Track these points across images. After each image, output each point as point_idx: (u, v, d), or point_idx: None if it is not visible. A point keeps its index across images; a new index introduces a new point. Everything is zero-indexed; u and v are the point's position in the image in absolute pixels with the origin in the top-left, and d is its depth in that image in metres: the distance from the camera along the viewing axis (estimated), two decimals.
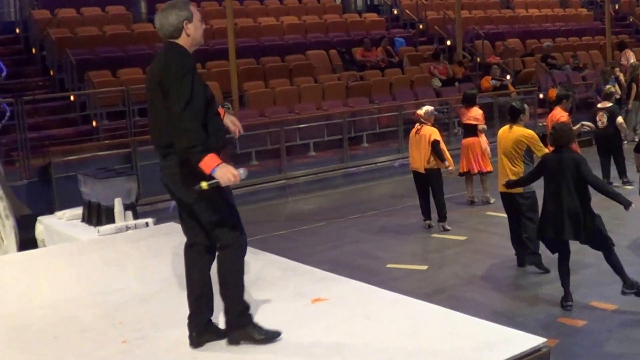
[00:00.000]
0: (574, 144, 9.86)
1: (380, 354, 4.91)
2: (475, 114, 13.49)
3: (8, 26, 19.96)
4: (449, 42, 23.02)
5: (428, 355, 4.87)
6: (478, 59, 22.77)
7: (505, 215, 10.13)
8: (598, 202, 8.78)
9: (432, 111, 12.29)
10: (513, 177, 9.55)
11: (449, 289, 9.41)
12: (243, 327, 5.10)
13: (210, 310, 5.20)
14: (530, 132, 9.66)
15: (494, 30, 24.74)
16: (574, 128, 10.93)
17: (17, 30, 19.23)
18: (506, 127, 9.88)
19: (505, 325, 5.48)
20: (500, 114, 17.58)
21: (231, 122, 5.44)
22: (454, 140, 17.14)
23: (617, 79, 19.68)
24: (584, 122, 12.94)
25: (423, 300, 6.07)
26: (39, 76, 17.93)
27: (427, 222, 12.21)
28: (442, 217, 12.06)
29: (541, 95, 20.92)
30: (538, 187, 9.34)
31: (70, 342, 5.38)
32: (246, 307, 5.15)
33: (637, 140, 13.05)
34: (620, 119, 14.27)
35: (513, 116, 9.78)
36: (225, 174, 4.74)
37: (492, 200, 13.31)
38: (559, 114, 12.39)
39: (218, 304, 5.34)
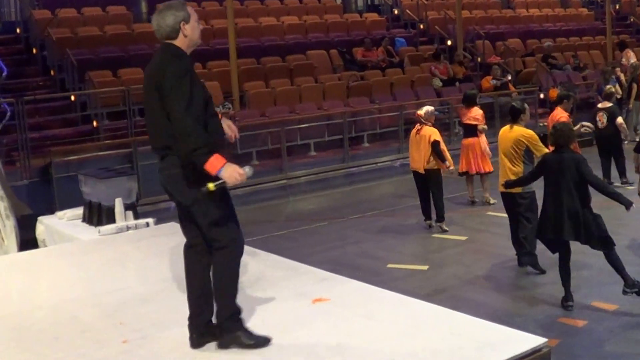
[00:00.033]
0: (574, 144, 9.85)
1: (381, 354, 4.90)
2: (475, 114, 13.48)
3: (9, 26, 19.96)
4: (449, 42, 23.02)
5: (429, 355, 4.87)
6: (479, 59, 22.78)
7: (506, 215, 10.13)
8: (599, 202, 8.78)
9: (433, 111, 12.28)
10: (513, 177, 9.55)
11: (449, 289, 9.41)
12: (233, 331, 5.05)
13: (210, 311, 5.18)
14: (529, 132, 9.65)
15: (494, 30, 24.74)
16: (574, 128, 10.92)
17: (18, 30, 19.25)
18: (507, 127, 9.88)
19: (506, 325, 5.48)
20: (501, 114, 17.59)
21: (227, 126, 5.41)
22: (455, 140, 17.14)
23: (617, 79, 19.67)
24: (583, 123, 12.92)
25: (424, 301, 6.08)
26: (39, 76, 17.93)
27: (428, 222, 12.21)
28: (440, 218, 12.05)
29: (542, 95, 20.92)
30: (538, 188, 9.35)
31: (71, 342, 5.38)
32: (237, 310, 5.10)
33: (637, 140, 13.01)
34: (620, 119, 14.26)
35: (514, 116, 9.78)
36: (232, 173, 4.74)
37: (492, 201, 13.30)
38: (560, 114, 12.38)
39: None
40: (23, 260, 8.08)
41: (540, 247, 9.14)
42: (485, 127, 13.62)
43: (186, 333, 5.12)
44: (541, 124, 18.28)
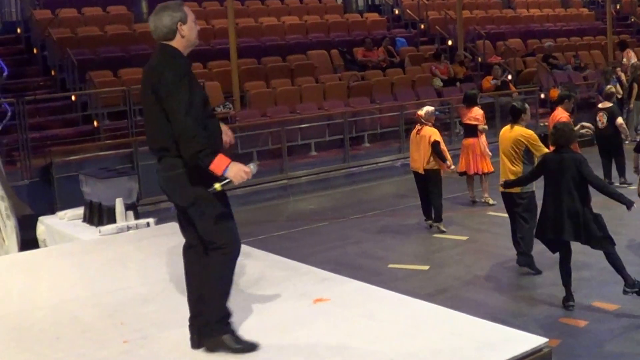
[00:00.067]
0: (574, 144, 9.84)
1: (381, 354, 4.90)
2: (475, 114, 13.47)
3: (9, 26, 19.99)
4: (450, 42, 23.01)
5: (430, 355, 4.87)
6: (479, 59, 22.77)
7: (507, 215, 10.12)
8: (599, 202, 8.78)
9: (433, 112, 12.27)
10: (512, 177, 9.55)
11: (450, 289, 9.41)
12: (220, 335, 4.99)
13: None
14: (529, 132, 9.65)
15: (495, 30, 24.74)
16: (575, 128, 10.92)
17: (19, 30, 19.25)
18: (507, 126, 9.88)
19: (506, 326, 5.49)
20: (502, 114, 17.58)
21: (223, 132, 5.40)
22: (456, 140, 17.14)
23: (618, 79, 19.66)
24: (583, 124, 12.92)
25: (425, 301, 6.08)
26: (40, 76, 17.93)
27: (429, 222, 12.19)
28: (438, 218, 12.04)
29: (542, 95, 20.92)
30: (538, 188, 9.35)
31: (72, 343, 5.38)
32: (227, 314, 5.06)
33: (638, 140, 13.00)
34: (620, 120, 14.24)
35: (514, 116, 9.78)
36: (238, 172, 4.74)
37: (491, 202, 13.32)
38: (560, 114, 12.37)
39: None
40: (24, 260, 8.08)
41: (541, 247, 9.13)
42: (486, 127, 13.62)
43: (187, 333, 5.11)
44: (542, 124, 18.29)
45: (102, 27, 18.95)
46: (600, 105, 14.70)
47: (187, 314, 5.12)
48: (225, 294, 5.02)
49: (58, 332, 5.59)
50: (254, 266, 6.93)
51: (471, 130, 13.54)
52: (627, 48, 23.09)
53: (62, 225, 9.38)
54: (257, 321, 5.52)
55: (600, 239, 8.22)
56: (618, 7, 29.59)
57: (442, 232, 11.90)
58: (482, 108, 13.89)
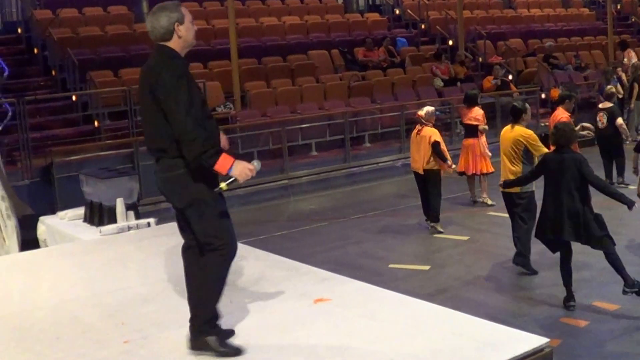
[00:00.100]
0: (574, 144, 9.84)
1: (382, 354, 4.90)
2: (476, 114, 13.46)
3: (10, 26, 19.99)
4: (450, 42, 23.01)
5: (430, 355, 4.87)
6: (480, 59, 22.76)
7: (507, 215, 10.12)
8: (599, 202, 8.78)
9: (433, 112, 12.27)
10: (512, 177, 9.56)
11: (451, 289, 9.41)
12: (206, 336, 4.96)
13: None
14: (528, 132, 9.64)
15: (496, 30, 24.73)
16: (575, 129, 10.92)
17: (19, 30, 19.24)
18: (508, 126, 9.89)
19: (507, 326, 5.48)
20: (503, 114, 17.57)
21: None
22: (456, 140, 17.13)
23: (619, 79, 19.65)
24: (584, 124, 12.92)
25: (425, 301, 6.08)
26: (40, 76, 17.93)
27: (430, 222, 12.19)
28: (434, 219, 12.03)
29: (543, 95, 20.91)
30: (538, 187, 9.35)
31: (72, 343, 5.38)
32: (216, 316, 5.04)
33: (639, 140, 12.99)
34: (620, 120, 14.21)
35: (515, 116, 9.78)
36: (243, 170, 4.78)
37: (489, 202, 13.34)
38: (561, 114, 12.36)
39: (219, 304, 5.34)
40: (24, 260, 8.08)
41: (541, 247, 9.13)
42: (486, 127, 13.61)
43: (187, 333, 5.10)
44: (543, 124, 18.29)
45: (103, 27, 18.95)
46: (600, 106, 14.68)
47: (188, 314, 5.11)
48: (218, 295, 5.02)
49: (58, 332, 5.59)
50: (255, 266, 6.93)
51: (471, 131, 13.53)
52: (628, 48, 23.09)
53: (62, 225, 9.38)
54: (258, 321, 5.53)
55: (601, 239, 8.21)
56: (619, 7, 29.59)
57: (439, 232, 11.90)
58: (482, 108, 13.88)
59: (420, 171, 12.00)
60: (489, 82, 20.24)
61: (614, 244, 8.32)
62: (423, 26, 24.14)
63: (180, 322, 5.19)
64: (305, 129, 16.76)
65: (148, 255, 7.54)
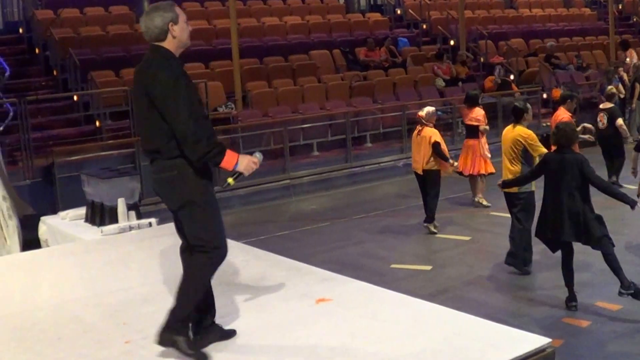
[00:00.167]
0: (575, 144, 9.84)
1: (383, 354, 4.89)
2: (477, 115, 13.45)
3: (11, 26, 20.01)
4: (452, 42, 23.00)
5: (432, 355, 4.86)
6: (481, 59, 22.76)
7: (509, 215, 10.11)
8: (600, 202, 8.78)
9: (434, 112, 12.27)
10: (511, 177, 9.57)
11: (452, 289, 9.40)
12: (177, 335, 4.91)
13: (212, 312, 5.18)
14: (527, 132, 9.63)
15: (497, 30, 24.72)
16: (577, 129, 10.91)
17: (21, 30, 19.26)
18: (510, 126, 9.90)
19: (509, 326, 5.47)
20: (504, 114, 17.56)
21: None
22: (458, 140, 17.11)
23: (620, 79, 19.63)
24: (585, 125, 12.90)
25: (427, 301, 6.07)
26: (42, 76, 17.94)
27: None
28: (429, 219, 12.04)
29: (545, 95, 20.90)
30: (538, 188, 9.35)
31: (73, 343, 5.37)
32: (191, 317, 5.00)
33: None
34: (619, 121, 14.19)
35: (516, 116, 9.78)
36: (248, 164, 4.85)
37: (485, 203, 13.38)
38: (563, 114, 12.35)
39: (220, 304, 5.34)
40: (25, 260, 8.07)
41: (541, 247, 9.13)
42: (487, 127, 13.59)
43: (189, 333, 5.10)
44: (544, 124, 18.27)
45: (104, 27, 18.95)
46: (601, 106, 14.68)
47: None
48: (199, 295, 5.00)
49: (59, 332, 5.58)
50: (256, 266, 6.92)
51: (472, 131, 13.53)
52: (630, 48, 23.06)
53: (64, 225, 9.37)
54: (259, 321, 5.52)
55: (600, 239, 8.20)
56: (620, 7, 29.55)
57: (433, 233, 11.91)
58: (484, 108, 13.87)
59: (420, 171, 12.02)
60: (490, 82, 20.23)
61: (613, 245, 8.30)
62: (424, 26, 24.15)
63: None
64: (306, 129, 16.76)
65: (149, 256, 7.53)
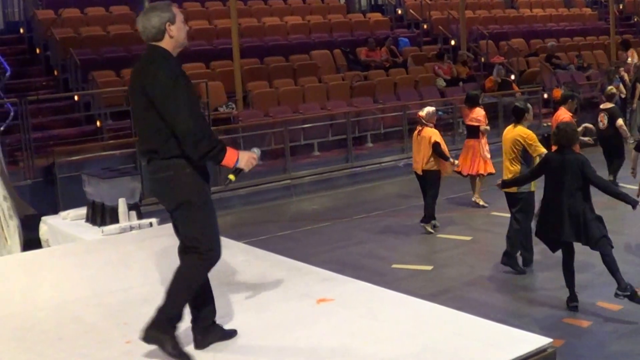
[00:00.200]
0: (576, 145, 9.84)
1: (385, 354, 4.89)
2: (477, 115, 13.44)
3: (12, 26, 20.01)
4: (453, 42, 23.01)
5: (433, 355, 4.85)
6: (482, 59, 22.76)
7: (510, 215, 10.11)
8: (602, 202, 8.77)
9: (434, 112, 12.27)
10: (510, 177, 9.57)
11: (454, 289, 9.40)
12: (163, 333, 4.89)
13: (212, 312, 5.17)
14: (527, 132, 9.63)
15: (498, 30, 24.71)
16: (578, 129, 10.91)
17: (21, 30, 19.26)
18: (510, 126, 9.90)
19: (510, 326, 5.46)
20: (505, 114, 17.56)
21: None
22: (459, 140, 17.11)
23: (621, 79, 19.62)
24: (586, 125, 12.88)
25: (428, 301, 6.06)
26: (42, 76, 17.94)
27: (433, 222, 12.19)
28: (426, 219, 12.05)
29: (545, 95, 20.89)
30: (538, 188, 9.34)
31: (74, 343, 5.37)
32: (179, 316, 4.96)
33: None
34: (620, 121, 14.17)
35: (517, 116, 9.78)
36: (248, 160, 4.89)
37: (481, 203, 13.40)
38: (563, 114, 12.34)
39: (221, 304, 5.34)
40: (26, 260, 8.07)
41: (542, 247, 9.13)
42: (488, 128, 13.58)
43: (190, 333, 5.10)
44: (545, 124, 18.27)
45: (105, 27, 18.95)
46: (601, 106, 14.68)
47: (189, 315, 5.10)
48: (189, 296, 4.98)
49: (60, 332, 5.58)
50: (257, 266, 6.92)
51: (473, 131, 13.53)
52: (631, 48, 23.05)
53: (64, 225, 9.37)
54: (259, 321, 5.52)
55: (598, 240, 8.19)
56: (621, 6, 29.54)
57: (429, 233, 11.92)
58: (484, 108, 13.87)
59: (420, 172, 12.03)
60: (491, 82, 20.21)
61: (612, 247, 8.29)
62: (425, 26, 24.15)
63: (183, 323, 5.18)
64: (307, 129, 16.77)
65: (150, 255, 7.52)
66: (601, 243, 8.20)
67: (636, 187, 10.00)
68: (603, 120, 14.27)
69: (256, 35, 20.23)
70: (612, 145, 14.27)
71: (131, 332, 5.44)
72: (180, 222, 4.97)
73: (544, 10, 27.91)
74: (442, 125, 16.13)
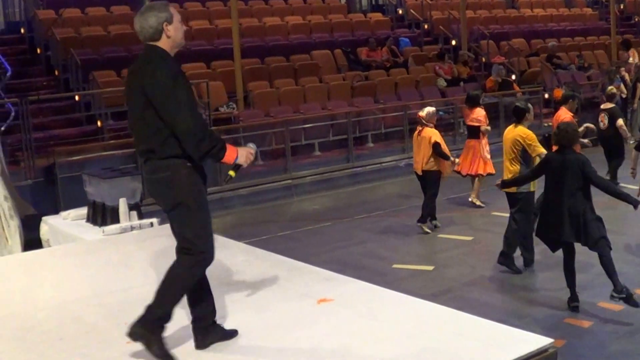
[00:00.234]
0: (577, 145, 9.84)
1: (386, 354, 4.88)
2: (477, 115, 13.43)
3: (13, 26, 20.00)
4: (454, 42, 23.01)
5: (434, 355, 4.85)
6: (483, 59, 22.76)
7: None
8: (603, 202, 8.77)
9: (434, 112, 12.27)
10: (510, 177, 9.57)
11: (455, 289, 9.39)
12: (150, 332, 4.88)
13: (212, 312, 5.17)
14: (526, 132, 9.63)
15: (499, 30, 24.71)
16: (579, 130, 10.90)
17: (22, 30, 19.26)
18: (511, 126, 9.91)
19: (511, 326, 5.45)
20: (506, 115, 17.56)
21: None
22: (460, 140, 17.10)
23: (622, 79, 19.61)
24: (587, 125, 12.87)
25: (429, 301, 6.06)
26: (43, 76, 17.94)
27: (434, 222, 12.19)
28: (423, 219, 12.05)
29: (546, 95, 20.87)
30: (538, 189, 9.33)
31: (75, 343, 5.37)
32: (168, 317, 4.94)
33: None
34: (620, 122, 14.16)
35: (518, 116, 9.78)
36: (247, 156, 4.91)
37: (478, 203, 13.43)
38: (564, 114, 12.32)
39: (221, 304, 5.33)
40: (27, 260, 8.07)
41: (542, 247, 9.12)
42: (488, 128, 13.57)
43: (190, 334, 5.10)
44: (546, 124, 18.25)
45: (106, 27, 18.95)
46: (602, 106, 14.67)
47: (189, 315, 5.10)
48: (179, 297, 4.97)
49: (61, 333, 5.58)
50: (257, 266, 6.92)
51: (474, 132, 13.52)
52: (632, 48, 23.04)
53: (65, 225, 9.37)
54: (260, 321, 5.51)
55: (597, 241, 8.18)
56: (622, 6, 29.55)
57: (426, 233, 11.92)
58: (485, 108, 13.86)
59: (420, 172, 12.03)
60: (491, 82, 20.20)
61: (610, 248, 8.28)
62: (426, 26, 24.15)
63: (183, 322, 5.19)
64: (308, 129, 16.76)
65: (151, 256, 7.51)
66: (600, 244, 8.19)
67: (636, 187, 10.00)
68: (604, 121, 14.26)
69: (257, 35, 20.22)
70: (613, 146, 14.27)
71: None
72: (175, 222, 4.97)
73: (544, 10, 27.91)
74: (443, 125, 16.14)
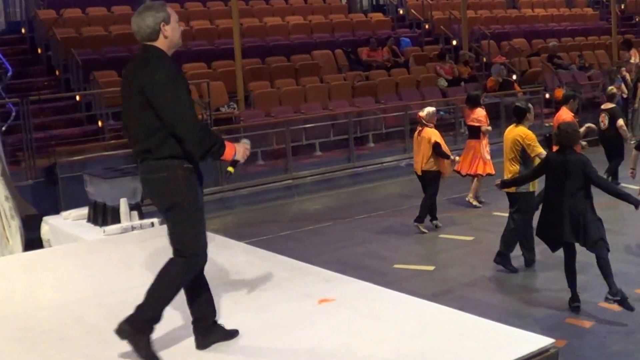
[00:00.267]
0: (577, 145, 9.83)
1: (387, 354, 4.88)
2: (478, 115, 13.41)
3: (14, 26, 20.02)
4: (454, 42, 23.01)
5: (435, 355, 4.85)
6: (484, 59, 22.76)
7: None
8: (604, 202, 8.76)
9: (434, 112, 12.27)
10: (509, 176, 9.57)
11: (456, 289, 9.39)
12: (138, 333, 4.87)
13: (213, 312, 5.17)
14: (526, 132, 9.62)
15: (499, 30, 24.71)
16: (580, 130, 10.89)
17: (23, 30, 19.28)
18: (511, 126, 9.90)
19: (512, 326, 5.45)
20: (506, 115, 17.55)
21: None
22: (460, 140, 17.10)
23: (623, 79, 19.60)
24: (588, 125, 12.87)
25: (430, 301, 6.05)
26: (44, 76, 17.95)
27: (434, 222, 12.19)
28: (420, 219, 12.04)
29: (547, 95, 20.87)
30: (538, 188, 9.32)
31: (76, 343, 5.37)
32: (158, 318, 4.93)
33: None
34: (620, 122, 14.15)
35: (518, 116, 9.78)
36: (244, 152, 4.93)
37: (474, 203, 13.42)
38: (565, 114, 12.31)
39: (222, 304, 5.33)
40: (28, 260, 8.07)
41: (543, 247, 9.11)
42: (489, 128, 13.55)
43: (191, 333, 5.10)
44: (546, 124, 18.25)
45: (107, 27, 18.96)
46: (602, 106, 14.66)
47: (190, 315, 5.11)
48: (170, 299, 4.96)
49: (62, 333, 5.58)
50: (258, 266, 6.91)
51: (474, 132, 13.51)
52: (633, 48, 23.03)
53: (66, 225, 9.37)
54: (261, 321, 5.51)
55: (596, 242, 8.18)
56: (622, 6, 29.57)
57: (423, 232, 11.92)
58: (486, 108, 13.85)
59: (419, 172, 12.03)
60: (492, 82, 20.20)
61: (608, 250, 8.27)
62: (427, 26, 24.15)
63: (184, 322, 5.19)
64: (309, 129, 16.77)
65: (151, 255, 7.50)
66: (598, 245, 8.19)
67: (637, 187, 10.00)
68: (604, 121, 14.25)
69: (258, 35, 20.23)
70: (613, 146, 14.26)
71: None
72: (169, 223, 4.96)
73: (545, 10, 27.92)
74: (444, 125, 16.14)
